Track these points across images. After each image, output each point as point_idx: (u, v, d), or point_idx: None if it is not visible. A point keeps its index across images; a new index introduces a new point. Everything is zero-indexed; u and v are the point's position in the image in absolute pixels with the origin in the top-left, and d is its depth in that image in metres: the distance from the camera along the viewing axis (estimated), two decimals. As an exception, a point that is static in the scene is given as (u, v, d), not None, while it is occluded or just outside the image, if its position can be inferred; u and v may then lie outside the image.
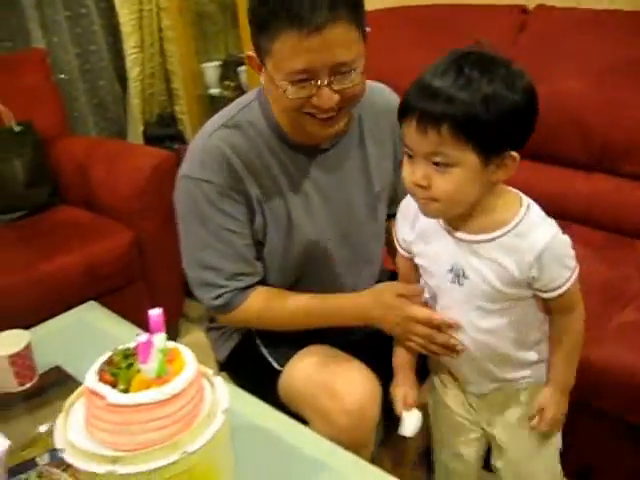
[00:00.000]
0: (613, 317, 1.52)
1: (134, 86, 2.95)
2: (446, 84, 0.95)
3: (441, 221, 1.10)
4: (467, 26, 2.20)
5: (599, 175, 1.92)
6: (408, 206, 1.15)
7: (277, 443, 1.11)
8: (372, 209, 1.37)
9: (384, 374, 1.27)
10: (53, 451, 1.07)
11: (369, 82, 1.24)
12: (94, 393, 0.88)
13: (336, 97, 1.11)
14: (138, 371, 0.89)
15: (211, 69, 2.93)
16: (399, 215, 1.21)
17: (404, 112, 1.00)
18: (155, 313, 0.89)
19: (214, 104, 3.00)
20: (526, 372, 1.17)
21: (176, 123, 3.11)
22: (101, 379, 0.90)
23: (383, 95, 1.38)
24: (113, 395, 0.86)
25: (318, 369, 1.27)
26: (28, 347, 1.29)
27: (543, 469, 1.23)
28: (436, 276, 1.13)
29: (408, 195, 1.10)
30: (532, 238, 1.03)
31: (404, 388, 1.23)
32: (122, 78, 3.04)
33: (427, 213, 1.06)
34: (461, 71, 0.96)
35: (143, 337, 0.86)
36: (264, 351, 1.38)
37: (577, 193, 1.94)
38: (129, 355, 0.94)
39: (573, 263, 1.06)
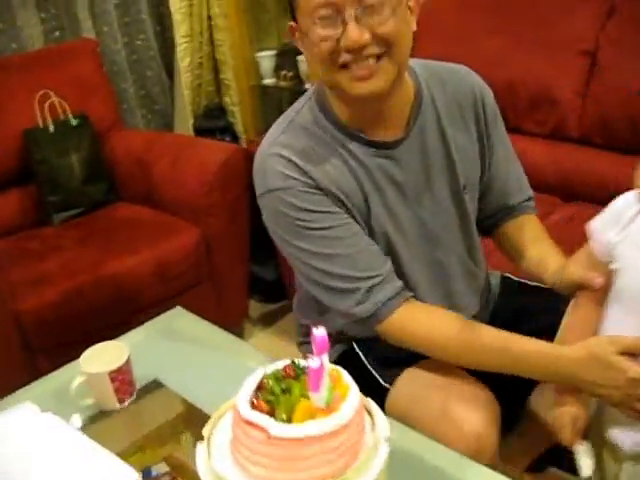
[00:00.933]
0: None
1: (185, 77, 2.84)
2: None
3: None
4: (548, 13, 2.09)
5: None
6: (623, 206, 1.02)
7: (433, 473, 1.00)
8: (459, 205, 1.24)
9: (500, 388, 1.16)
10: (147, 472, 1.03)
11: (438, 62, 1.19)
12: (250, 424, 0.79)
13: (366, 34, 1.02)
14: (300, 398, 0.80)
15: (266, 59, 2.81)
16: (607, 214, 1.04)
17: None
18: (320, 333, 0.79)
19: (268, 95, 2.89)
20: None
21: (225, 115, 3.00)
22: (256, 407, 0.81)
23: (458, 74, 1.25)
24: (275, 427, 0.77)
25: (431, 389, 1.16)
26: (128, 362, 1.20)
27: None
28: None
29: (621, 196, 1.01)
30: None
31: (572, 410, 1.03)
32: (169, 68, 2.94)
33: None
34: None
35: (315, 362, 0.76)
36: (369, 367, 1.27)
37: None
38: (280, 378, 0.84)
39: None
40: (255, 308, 2.37)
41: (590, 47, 2.00)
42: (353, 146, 1.16)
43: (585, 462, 1.00)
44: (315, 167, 1.13)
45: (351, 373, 1.26)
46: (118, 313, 1.85)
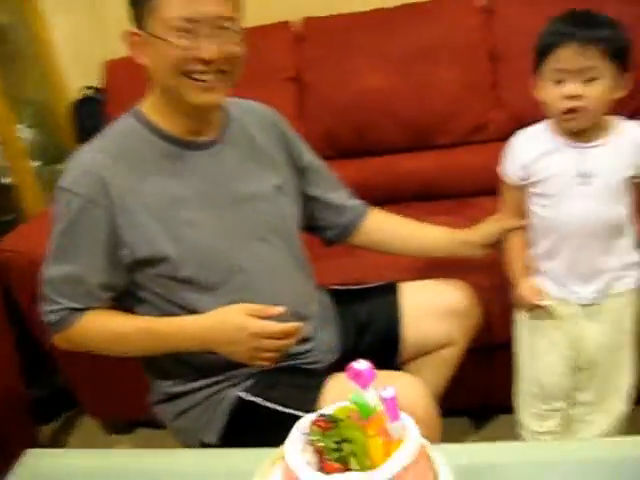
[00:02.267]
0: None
1: None
2: (586, 17, 1.28)
3: (561, 138, 1.36)
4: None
5: (419, 153, 2.14)
6: (518, 149, 1.43)
7: None
8: (275, 202, 1.34)
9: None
10: None
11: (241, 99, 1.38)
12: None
13: (217, 50, 1.15)
14: (371, 437, 0.77)
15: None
16: (510, 155, 1.43)
17: (556, 43, 1.27)
18: (362, 366, 0.77)
19: None
20: None
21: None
22: (329, 469, 0.75)
23: (261, 105, 1.44)
24: (374, 475, 0.73)
25: None
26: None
27: None
28: (559, 183, 1.36)
29: (514, 138, 1.44)
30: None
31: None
32: None
33: (570, 125, 1.33)
34: (590, 14, 1.29)
35: (389, 391, 0.75)
36: (277, 407, 1.24)
37: (406, 173, 2.13)
38: (322, 434, 0.79)
39: None
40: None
41: (292, 74, 2.20)
42: (171, 150, 1.24)
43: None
44: (126, 182, 1.18)
45: (253, 426, 1.22)
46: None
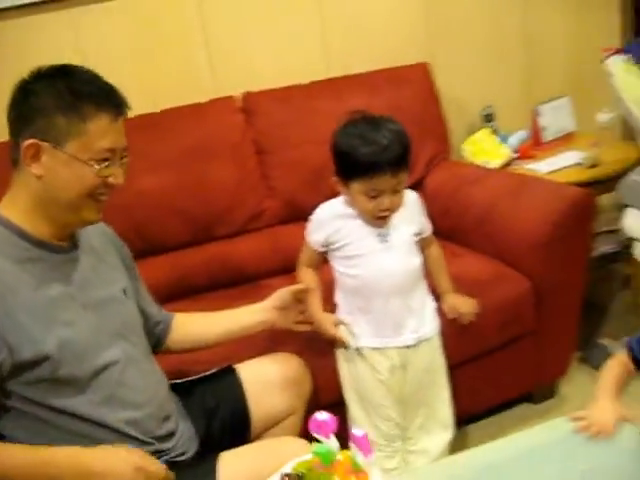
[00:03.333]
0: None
1: None
2: (385, 140, 1.50)
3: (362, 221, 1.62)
4: None
5: (203, 246, 2.22)
6: (320, 217, 1.65)
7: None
8: (125, 304, 1.38)
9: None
10: None
11: None
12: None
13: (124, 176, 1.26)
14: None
15: None
16: (313, 227, 1.66)
17: (372, 169, 1.49)
18: (323, 418, 0.84)
19: None
20: None
21: None
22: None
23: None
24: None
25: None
26: None
27: None
28: (365, 245, 1.60)
29: (321, 209, 1.65)
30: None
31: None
32: None
33: (382, 225, 1.59)
34: (378, 127, 1.53)
35: (359, 431, 0.82)
36: None
37: (194, 266, 2.18)
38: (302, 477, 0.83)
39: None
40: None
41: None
42: (37, 254, 1.22)
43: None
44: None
45: None
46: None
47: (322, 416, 0.84)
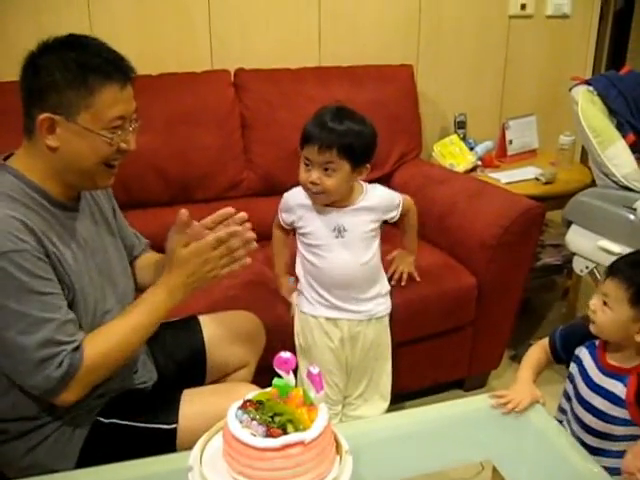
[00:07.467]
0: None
1: None
2: (333, 124, 1.61)
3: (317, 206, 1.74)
4: None
5: (180, 206, 2.33)
6: (288, 202, 1.79)
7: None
8: (120, 250, 1.53)
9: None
10: None
11: None
12: (287, 446, 0.94)
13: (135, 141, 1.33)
14: (296, 408, 0.99)
15: None
16: (284, 207, 1.80)
17: (308, 140, 1.63)
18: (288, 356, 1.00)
19: None
20: None
21: None
22: (271, 435, 0.96)
23: None
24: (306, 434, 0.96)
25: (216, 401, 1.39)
26: None
27: None
28: (321, 236, 1.73)
29: (288, 194, 1.78)
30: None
31: None
32: None
33: (316, 201, 1.70)
34: (339, 116, 1.63)
35: (316, 369, 0.98)
36: (140, 424, 1.36)
37: (169, 224, 2.30)
38: (262, 403, 0.99)
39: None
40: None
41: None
42: (55, 212, 1.31)
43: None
44: (40, 230, 1.23)
45: (112, 446, 1.35)
46: None
47: (285, 355, 1.01)
